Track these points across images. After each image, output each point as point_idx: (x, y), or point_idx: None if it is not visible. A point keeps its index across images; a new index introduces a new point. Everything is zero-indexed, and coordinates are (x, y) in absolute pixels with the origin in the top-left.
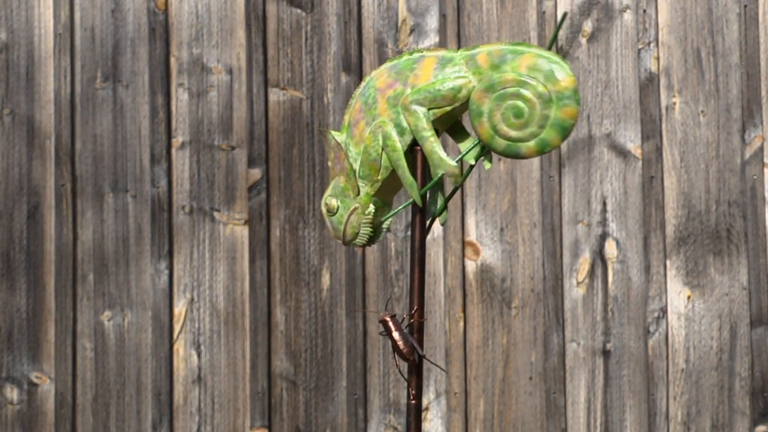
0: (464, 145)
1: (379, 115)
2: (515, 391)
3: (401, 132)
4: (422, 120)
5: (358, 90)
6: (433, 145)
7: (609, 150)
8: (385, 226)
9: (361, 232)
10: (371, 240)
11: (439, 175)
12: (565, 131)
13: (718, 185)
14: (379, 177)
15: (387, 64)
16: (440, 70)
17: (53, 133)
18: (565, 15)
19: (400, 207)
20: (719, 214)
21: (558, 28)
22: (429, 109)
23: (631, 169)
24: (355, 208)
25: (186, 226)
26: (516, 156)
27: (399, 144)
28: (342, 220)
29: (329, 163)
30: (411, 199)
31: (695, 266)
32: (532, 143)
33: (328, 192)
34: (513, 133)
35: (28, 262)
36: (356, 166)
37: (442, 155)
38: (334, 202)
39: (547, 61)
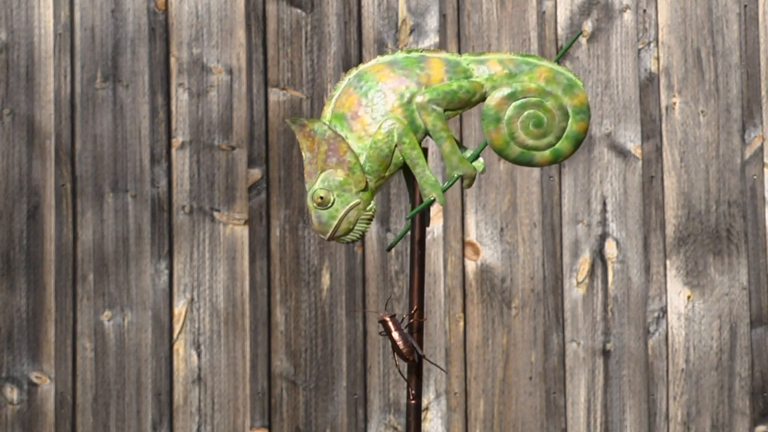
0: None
1: (390, 111)
2: (515, 391)
3: (415, 130)
4: (441, 120)
5: (343, 82)
6: (452, 146)
7: (609, 150)
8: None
9: (357, 228)
10: (359, 238)
11: (456, 177)
12: (578, 144)
13: (718, 185)
14: (387, 173)
15: (382, 59)
16: (452, 73)
17: (53, 133)
18: (579, 33)
19: (421, 206)
20: (719, 214)
21: (570, 43)
22: (444, 111)
23: (631, 169)
24: (356, 204)
25: (186, 226)
26: (528, 164)
27: (418, 143)
28: (336, 215)
29: (307, 154)
30: (431, 198)
31: (695, 266)
32: (547, 153)
33: (318, 184)
34: (530, 142)
35: (28, 262)
36: (361, 160)
37: (461, 156)
38: (329, 196)
39: (564, 76)
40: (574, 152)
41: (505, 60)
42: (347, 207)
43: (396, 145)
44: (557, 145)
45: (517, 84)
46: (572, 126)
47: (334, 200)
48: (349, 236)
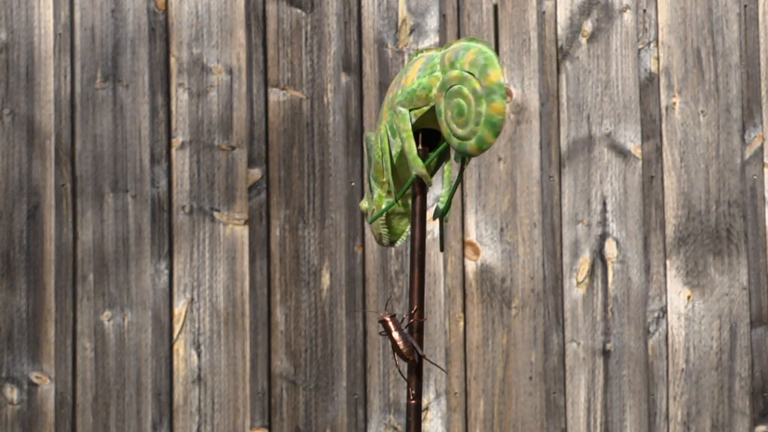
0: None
1: (383, 118)
2: (515, 391)
3: (394, 134)
4: (404, 121)
5: None
6: (409, 146)
7: (609, 150)
8: (401, 231)
9: (382, 231)
10: (392, 241)
11: (413, 175)
12: (495, 128)
13: (718, 185)
14: (384, 179)
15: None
16: (423, 70)
17: (53, 133)
18: (495, 6)
19: (384, 208)
20: (719, 214)
21: (495, 21)
22: (410, 110)
23: (631, 169)
24: (373, 210)
25: (186, 226)
26: (466, 154)
27: (388, 146)
28: (371, 222)
29: None
30: (390, 203)
31: (695, 266)
32: (473, 141)
33: (365, 196)
34: (459, 132)
35: (28, 262)
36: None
37: (414, 156)
38: (365, 205)
39: (482, 56)
40: (495, 137)
41: (454, 48)
42: (369, 213)
43: (381, 151)
44: (479, 132)
45: (448, 73)
46: (486, 109)
47: (367, 209)
48: (384, 241)
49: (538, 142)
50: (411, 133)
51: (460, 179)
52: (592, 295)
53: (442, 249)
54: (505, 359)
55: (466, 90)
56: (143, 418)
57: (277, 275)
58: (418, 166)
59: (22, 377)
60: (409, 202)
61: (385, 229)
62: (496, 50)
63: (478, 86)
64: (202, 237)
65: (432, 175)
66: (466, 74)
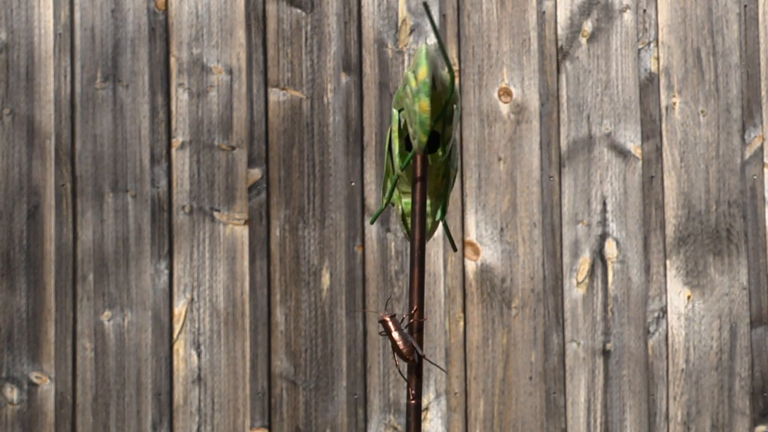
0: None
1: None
2: (515, 391)
3: (399, 135)
4: (394, 122)
5: None
6: (394, 147)
7: (609, 150)
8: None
9: (405, 233)
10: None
11: (395, 176)
12: (423, 126)
13: (718, 185)
14: (391, 178)
15: None
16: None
17: (53, 133)
18: (425, 4)
19: (379, 210)
20: (719, 214)
21: (430, 18)
22: (399, 111)
23: (631, 169)
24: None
25: (186, 226)
26: (416, 152)
27: (389, 147)
28: None
29: None
30: (384, 203)
31: (695, 266)
32: (416, 140)
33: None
34: (411, 131)
35: (28, 262)
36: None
37: (396, 156)
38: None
39: (420, 54)
40: (426, 136)
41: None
42: (396, 214)
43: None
44: (417, 131)
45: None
46: (416, 108)
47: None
48: (409, 240)
49: (538, 142)
50: (397, 134)
51: (453, 180)
52: (592, 295)
53: (455, 249)
54: (505, 359)
55: (408, 89)
56: (143, 418)
57: (277, 275)
58: (398, 167)
59: (22, 377)
60: (409, 201)
61: (405, 230)
62: (442, 48)
63: (414, 85)
64: (202, 237)
65: (445, 175)
66: (410, 74)
